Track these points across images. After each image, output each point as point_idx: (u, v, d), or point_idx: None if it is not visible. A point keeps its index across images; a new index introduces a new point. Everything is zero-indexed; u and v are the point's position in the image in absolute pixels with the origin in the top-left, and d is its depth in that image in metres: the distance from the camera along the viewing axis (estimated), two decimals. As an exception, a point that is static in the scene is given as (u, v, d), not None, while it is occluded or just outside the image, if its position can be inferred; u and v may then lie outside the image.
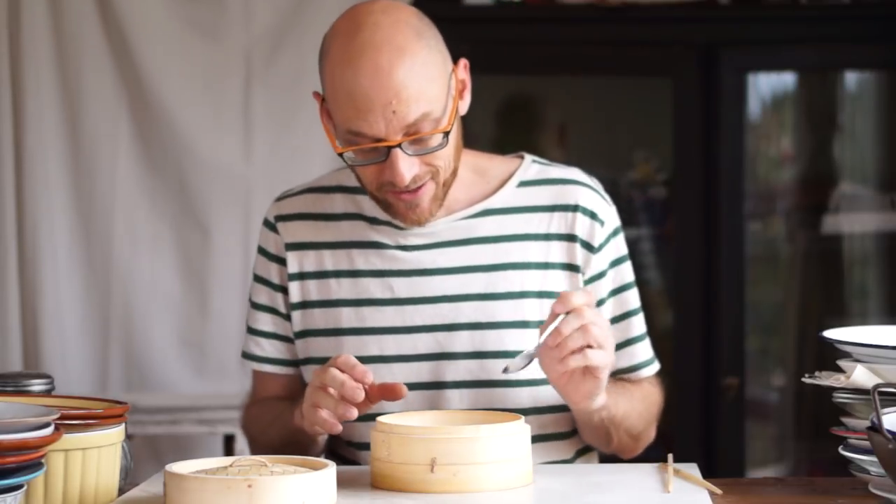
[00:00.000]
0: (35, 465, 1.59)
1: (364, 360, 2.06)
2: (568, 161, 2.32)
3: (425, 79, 2.02)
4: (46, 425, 1.60)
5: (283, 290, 2.23)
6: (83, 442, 1.74)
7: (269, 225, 2.26)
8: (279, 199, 2.28)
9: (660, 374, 2.27)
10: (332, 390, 1.94)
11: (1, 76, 3.97)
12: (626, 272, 2.23)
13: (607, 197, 2.25)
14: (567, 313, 1.91)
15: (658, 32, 4.26)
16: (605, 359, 1.94)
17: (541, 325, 2.04)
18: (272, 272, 2.24)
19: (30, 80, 3.98)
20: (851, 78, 4.55)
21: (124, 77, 4.03)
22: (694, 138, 4.25)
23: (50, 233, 4.01)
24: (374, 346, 2.15)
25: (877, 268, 4.46)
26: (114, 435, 1.79)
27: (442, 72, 2.05)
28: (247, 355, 2.28)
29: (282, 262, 2.23)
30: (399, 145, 2.02)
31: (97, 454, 1.76)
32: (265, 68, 4.08)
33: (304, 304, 2.20)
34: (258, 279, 2.27)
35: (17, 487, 1.57)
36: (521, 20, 4.12)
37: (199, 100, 4.06)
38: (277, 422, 2.17)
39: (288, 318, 2.23)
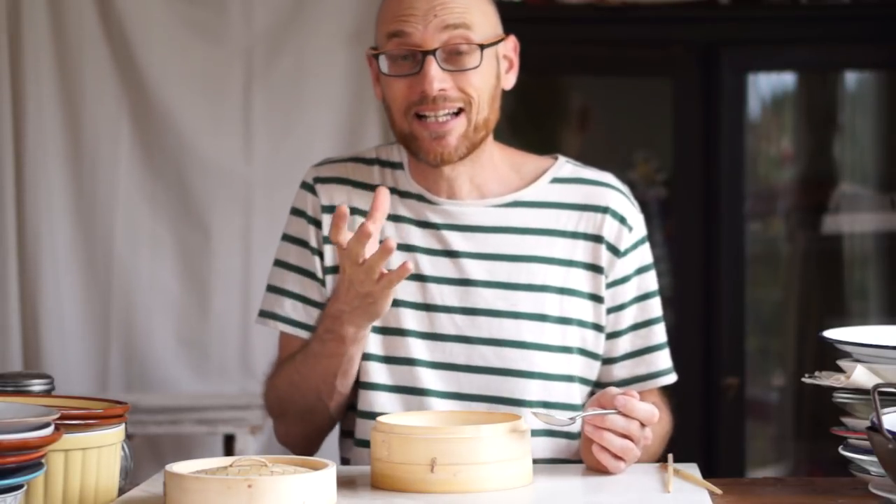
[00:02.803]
0: (35, 465, 1.59)
1: (384, 330, 2.14)
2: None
3: (472, 5, 2.13)
4: (46, 425, 1.60)
5: (320, 254, 2.23)
6: (83, 442, 1.74)
7: (308, 187, 2.26)
8: (319, 164, 2.30)
9: (672, 388, 2.28)
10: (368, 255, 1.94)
11: (1, 77, 3.97)
12: (651, 281, 2.26)
13: (637, 205, 2.27)
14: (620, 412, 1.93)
15: (658, 32, 4.26)
16: (622, 469, 1.96)
17: (559, 321, 2.14)
18: (310, 234, 2.24)
19: (30, 81, 3.98)
20: (851, 78, 4.55)
21: (124, 77, 4.03)
22: (694, 138, 4.25)
23: (50, 233, 4.01)
24: (393, 318, 2.17)
25: (877, 268, 4.46)
26: (114, 435, 1.79)
27: (491, 16, 2.16)
28: (272, 315, 2.24)
29: (319, 224, 2.23)
30: (434, 53, 2.09)
31: (97, 454, 1.76)
32: (265, 69, 4.08)
33: (336, 269, 2.20)
34: (294, 240, 2.25)
35: (17, 487, 1.57)
36: (521, 20, 4.11)
37: (200, 100, 4.05)
38: (310, 359, 2.13)
39: (322, 282, 2.22)
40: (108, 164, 4.03)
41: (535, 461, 1.97)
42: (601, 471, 1.95)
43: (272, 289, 2.26)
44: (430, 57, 2.09)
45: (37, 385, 1.91)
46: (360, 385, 2.18)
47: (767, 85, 4.50)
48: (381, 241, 1.95)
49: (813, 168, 4.52)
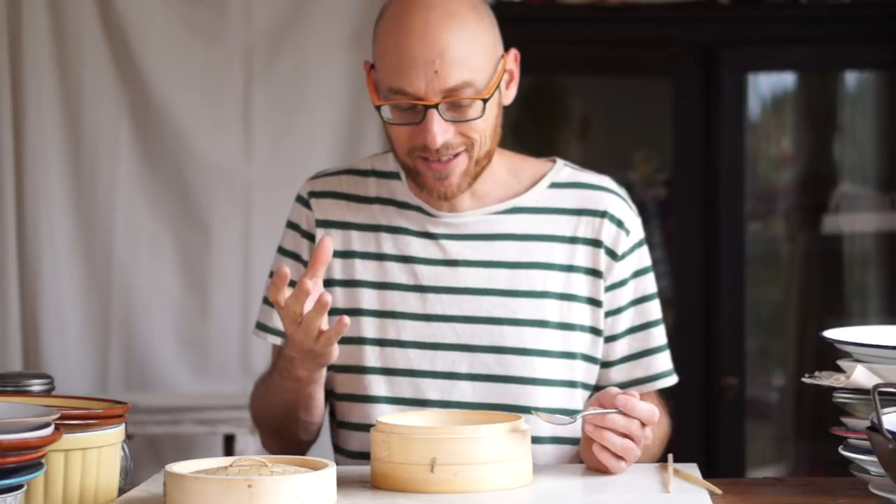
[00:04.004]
0: (35, 465, 1.59)
1: (382, 342, 2.14)
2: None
3: (473, 47, 2.06)
4: (46, 425, 1.60)
5: None
6: (83, 442, 1.74)
7: (302, 201, 2.26)
8: (314, 177, 2.29)
9: (671, 389, 2.27)
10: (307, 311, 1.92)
11: (1, 77, 3.97)
12: (649, 283, 2.25)
13: (634, 208, 2.27)
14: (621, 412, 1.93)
15: (658, 32, 4.26)
16: (623, 469, 1.96)
17: (560, 326, 2.14)
18: (303, 248, 2.24)
19: (30, 81, 3.98)
20: (851, 78, 4.55)
21: (124, 77, 4.03)
22: (694, 138, 4.25)
23: (50, 233, 4.01)
24: (392, 329, 2.17)
25: (877, 268, 4.46)
26: (114, 435, 1.79)
27: (491, 48, 2.10)
28: (263, 326, 2.26)
29: (312, 238, 2.23)
30: (436, 106, 2.05)
31: (97, 454, 1.76)
32: (265, 68, 4.08)
33: (328, 283, 2.19)
34: (286, 253, 2.26)
35: (17, 487, 1.57)
36: (522, 20, 4.13)
37: (199, 100, 4.06)
38: (273, 388, 2.15)
39: None
40: (108, 164, 4.03)
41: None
42: (601, 470, 1.95)
43: (266, 301, 2.27)
44: (432, 111, 2.06)
45: (37, 385, 1.91)
46: (359, 398, 2.18)
47: (767, 85, 4.50)
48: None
49: (813, 168, 4.52)
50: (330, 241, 1.93)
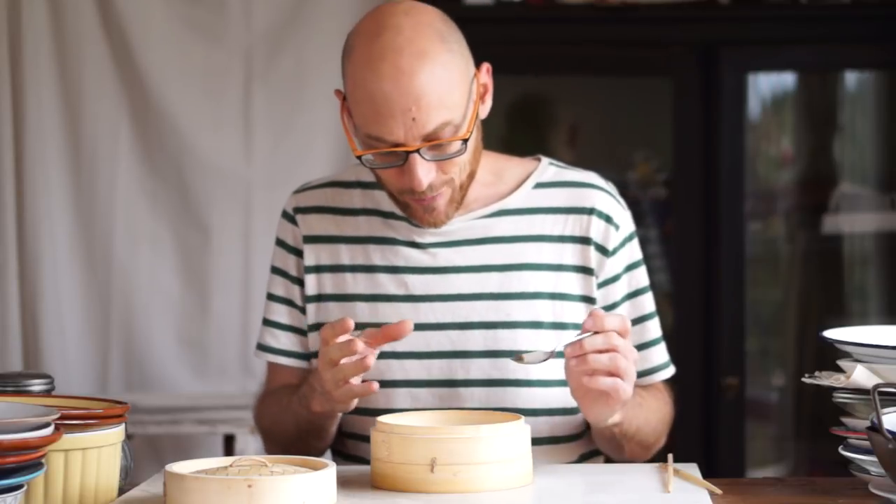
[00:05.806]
0: (35, 465, 1.59)
1: (378, 355, 2.09)
2: (568, 161, 2.32)
3: (447, 84, 2.01)
4: (46, 425, 1.60)
5: (300, 283, 2.23)
6: (83, 442, 1.74)
7: (288, 217, 2.26)
8: (298, 191, 2.28)
9: (671, 379, 2.28)
10: (343, 361, 1.93)
11: (1, 76, 3.97)
12: (641, 277, 2.24)
13: (623, 202, 2.26)
14: (596, 332, 1.91)
15: (658, 32, 4.26)
16: (628, 391, 1.94)
17: (554, 326, 2.13)
18: (290, 264, 2.24)
19: (30, 81, 3.99)
20: (851, 78, 4.55)
21: (124, 77, 4.04)
22: (694, 138, 4.25)
23: (50, 233, 4.01)
24: (388, 343, 2.15)
25: (877, 268, 4.46)
26: (114, 435, 1.79)
27: (464, 77, 2.05)
28: (262, 347, 2.27)
29: (299, 254, 2.23)
30: (417, 151, 2.02)
31: (97, 454, 1.76)
32: (265, 68, 4.08)
33: (320, 297, 2.20)
34: (276, 271, 2.27)
35: (17, 487, 1.57)
36: (521, 20, 4.12)
37: (199, 100, 4.06)
38: (289, 410, 2.16)
39: (303, 310, 2.23)
40: (108, 164, 4.04)
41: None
42: (602, 410, 1.95)
43: (263, 321, 2.28)
44: (414, 155, 2.02)
45: (37, 385, 1.91)
46: (358, 411, 2.17)
47: (767, 85, 4.50)
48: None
49: (813, 168, 4.52)
50: (410, 324, 1.93)
